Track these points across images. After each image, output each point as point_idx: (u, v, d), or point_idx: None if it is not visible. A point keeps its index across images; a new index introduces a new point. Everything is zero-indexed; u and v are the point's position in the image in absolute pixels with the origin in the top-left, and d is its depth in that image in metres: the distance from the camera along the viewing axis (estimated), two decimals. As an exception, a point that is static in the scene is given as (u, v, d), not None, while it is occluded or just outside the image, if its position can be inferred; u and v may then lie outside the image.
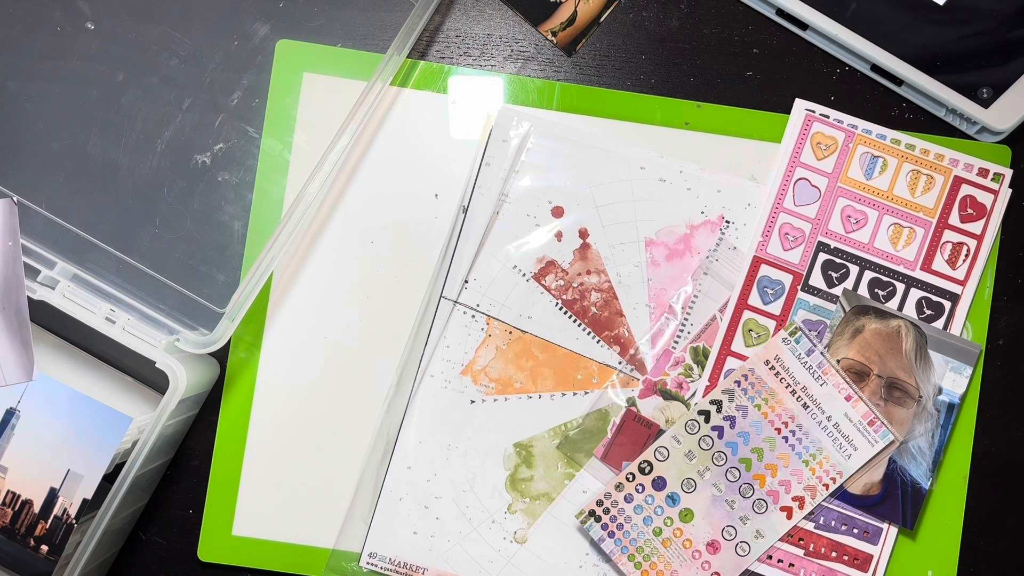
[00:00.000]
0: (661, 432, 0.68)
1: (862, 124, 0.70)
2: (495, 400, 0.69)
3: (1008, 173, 0.70)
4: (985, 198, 0.69)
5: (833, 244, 0.69)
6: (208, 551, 0.70)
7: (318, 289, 0.70)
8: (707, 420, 0.68)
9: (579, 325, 0.70)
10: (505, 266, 0.70)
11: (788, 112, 0.71)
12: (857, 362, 0.68)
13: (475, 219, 0.70)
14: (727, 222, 0.70)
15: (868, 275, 0.69)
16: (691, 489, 0.67)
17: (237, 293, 0.65)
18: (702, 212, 0.70)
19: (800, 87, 0.72)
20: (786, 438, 0.67)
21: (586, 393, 0.69)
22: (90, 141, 0.69)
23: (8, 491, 0.63)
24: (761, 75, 0.72)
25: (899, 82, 0.71)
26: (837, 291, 0.69)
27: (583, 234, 0.70)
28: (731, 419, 0.68)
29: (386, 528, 0.69)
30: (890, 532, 0.68)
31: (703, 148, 0.71)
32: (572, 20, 0.72)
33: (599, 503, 0.67)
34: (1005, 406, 0.71)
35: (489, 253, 0.70)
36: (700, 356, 0.69)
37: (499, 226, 0.70)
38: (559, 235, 0.70)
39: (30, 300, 0.64)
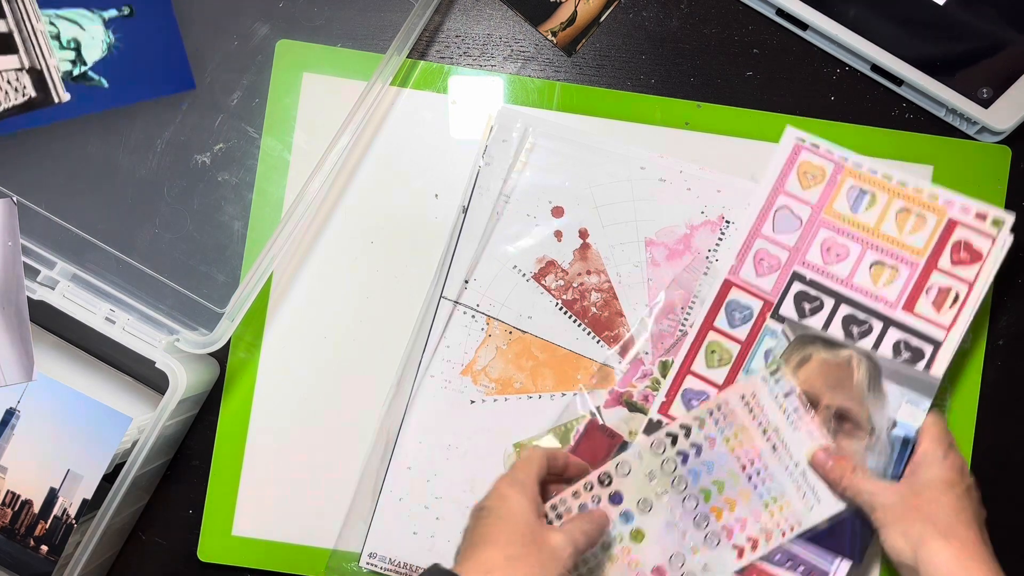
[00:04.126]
0: (624, 444, 0.68)
1: (853, 157, 0.67)
2: (495, 400, 0.69)
3: (1009, 219, 0.66)
4: (982, 243, 0.66)
5: (809, 275, 0.67)
6: (208, 551, 0.70)
7: (318, 289, 0.70)
8: (674, 443, 0.66)
9: (579, 325, 0.70)
10: (505, 266, 0.70)
11: (788, 112, 0.71)
12: (803, 392, 0.66)
13: (475, 219, 0.70)
14: (727, 222, 0.70)
15: (844, 310, 0.67)
16: (647, 510, 0.65)
17: (237, 293, 0.65)
18: (702, 212, 0.70)
19: (800, 87, 0.72)
20: (750, 476, 0.65)
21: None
22: (90, 141, 0.69)
23: (8, 491, 0.63)
24: (761, 75, 0.72)
25: (899, 82, 0.71)
26: (811, 322, 0.67)
27: (583, 234, 0.70)
28: (698, 447, 0.66)
29: (386, 528, 0.69)
30: (838, 573, 0.66)
31: (703, 148, 0.71)
32: (572, 20, 0.72)
33: (552, 507, 0.65)
34: (1005, 406, 0.71)
35: (489, 253, 0.70)
36: (666, 370, 0.68)
37: (499, 226, 0.70)
38: (559, 235, 0.70)
39: (30, 300, 0.64)
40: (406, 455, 0.69)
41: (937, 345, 0.66)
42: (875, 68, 0.71)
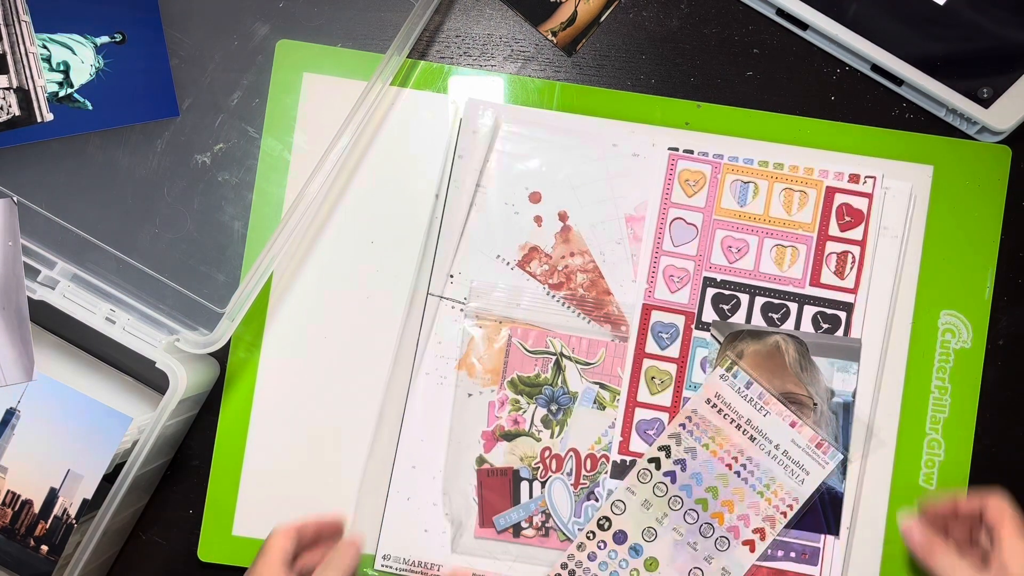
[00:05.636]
0: (516, 472, 0.68)
1: (728, 152, 0.69)
2: (492, 391, 0.69)
3: (879, 175, 0.69)
4: (860, 203, 0.69)
5: (719, 277, 0.69)
6: (208, 551, 0.70)
7: (318, 289, 0.70)
8: (658, 467, 0.67)
9: (568, 308, 0.69)
10: (488, 256, 0.70)
11: (788, 112, 0.71)
12: None
13: (453, 213, 0.69)
14: None
15: (760, 301, 0.69)
16: (652, 538, 0.67)
17: (237, 293, 0.65)
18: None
19: (800, 87, 0.72)
20: (738, 472, 0.67)
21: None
22: (90, 141, 0.69)
23: (8, 491, 0.63)
24: (761, 75, 0.72)
25: (899, 82, 0.71)
26: (733, 321, 0.69)
27: (563, 216, 0.70)
28: (681, 462, 0.67)
29: (397, 529, 0.69)
30: (826, 550, 0.67)
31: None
32: (572, 20, 0.72)
33: (563, 566, 0.67)
34: (1005, 406, 0.71)
35: (471, 245, 0.70)
36: (520, 385, 0.69)
37: (478, 217, 0.70)
38: (539, 220, 0.70)
39: (30, 300, 0.64)
40: (410, 454, 0.69)
41: (849, 309, 0.69)
42: (875, 68, 0.71)
